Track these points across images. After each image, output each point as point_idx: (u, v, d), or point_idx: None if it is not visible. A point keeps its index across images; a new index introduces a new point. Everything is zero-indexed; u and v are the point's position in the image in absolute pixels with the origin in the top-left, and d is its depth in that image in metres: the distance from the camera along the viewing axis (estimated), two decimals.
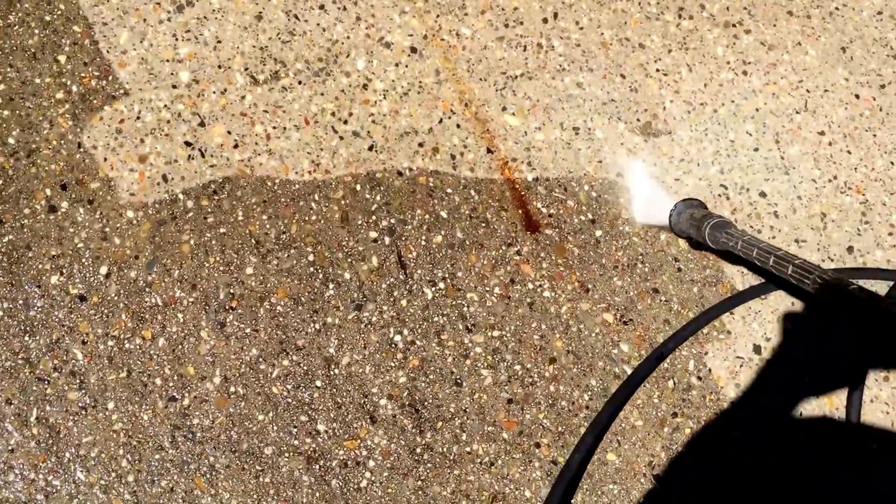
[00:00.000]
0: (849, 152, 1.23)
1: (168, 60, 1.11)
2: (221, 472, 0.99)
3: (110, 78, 1.09)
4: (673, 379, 1.09)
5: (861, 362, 1.11)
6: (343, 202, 1.09)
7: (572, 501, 1.02)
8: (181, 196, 1.06)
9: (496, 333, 1.08)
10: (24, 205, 1.03)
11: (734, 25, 1.26)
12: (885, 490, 1.08)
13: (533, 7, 1.22)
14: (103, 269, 1.03)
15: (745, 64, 1.25)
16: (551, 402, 1.06)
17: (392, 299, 1.07)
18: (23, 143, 1.05)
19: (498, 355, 1.07)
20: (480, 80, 1.17)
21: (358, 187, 1.10)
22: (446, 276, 1.09)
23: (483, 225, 1.11)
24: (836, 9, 1.32)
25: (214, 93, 1.11)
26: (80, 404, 0.98)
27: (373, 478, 1.01)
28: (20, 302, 1.00)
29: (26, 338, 0.99)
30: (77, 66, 1.09)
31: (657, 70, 1.22)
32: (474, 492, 1.02)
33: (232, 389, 1.01)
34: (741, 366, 1.10)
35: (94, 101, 1.08)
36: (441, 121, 1.14)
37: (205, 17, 1.14)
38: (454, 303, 1.08)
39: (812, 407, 1.10)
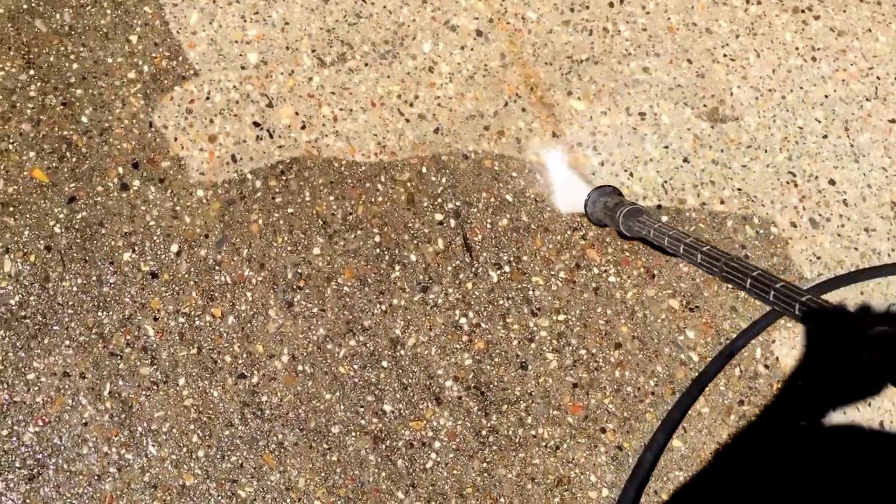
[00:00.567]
0: None
1: (237, 42, 1.12)
2: (290, 450, 0.99)
3: (180, 58, 1.10)
4: (740, 367, 1.07)
5: None
6: (409, 184, 1.09)
7: None
8: (250, 176, 1.07)
9: (561, 317, 1.07)
10: (98, 182, 1.04)
11: (803, 11, 1.24)
12: None
13: None
14: (174, 247, 1.04)
15: (814, 50, 1.22)
16: (616, 387, 1.05)
17: (458, 282, 1.07)
18: (96, 122, 1.06)
19: (563, 339, 1.06)
20: (546, 64, 1.16)
21: (424, 170, 1.10)
22: (511, 259, 1.08)
23: (548, 209, 1.10)
24: None
25: (282, 74, 1.11)
26: (151, 379, 1.00)
27: (438, 459, 1.01)
28: (94, 278, 1.02)
29: (100, 313, 1.01)
30: (148, 46, 1.10)
31: (724, 55, 1.20)
32: (539, 475, 1.02)
33: (300, 368, 1.02)
34: (809, 354, 1.09)
35: (165, 82, 1.09)
36: (506, 104, 1.14)
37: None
38: (519, 286, 1.08)
39: (882, 398, 1.08)
